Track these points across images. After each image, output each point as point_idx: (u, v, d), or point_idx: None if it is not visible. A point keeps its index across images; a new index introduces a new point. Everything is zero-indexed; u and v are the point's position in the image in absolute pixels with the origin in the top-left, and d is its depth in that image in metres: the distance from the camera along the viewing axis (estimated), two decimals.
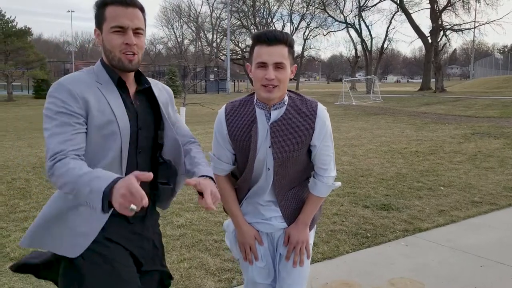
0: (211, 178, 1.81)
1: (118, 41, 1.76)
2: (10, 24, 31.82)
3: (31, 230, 1.85)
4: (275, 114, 2.07)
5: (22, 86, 39.14)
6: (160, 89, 2.00)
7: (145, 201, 1.35)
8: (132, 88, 1.88)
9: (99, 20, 1.79)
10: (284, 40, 1.95)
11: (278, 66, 1.94)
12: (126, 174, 1.76)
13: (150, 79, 1.97)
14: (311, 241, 2.33)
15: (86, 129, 1.71)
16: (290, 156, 2.10)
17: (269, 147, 2.09)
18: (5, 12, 31.53)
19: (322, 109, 2.13)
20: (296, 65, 2.08)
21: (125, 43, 1.75)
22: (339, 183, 2.29)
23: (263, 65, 1.95)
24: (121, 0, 1.76)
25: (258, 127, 2.08)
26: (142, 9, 1.82)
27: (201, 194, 1.70)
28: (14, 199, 6.01)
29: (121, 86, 1.83)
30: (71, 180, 1.54)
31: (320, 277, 3.77)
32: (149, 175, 1.40)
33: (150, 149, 1.90)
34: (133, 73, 1.88)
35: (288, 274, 2.25)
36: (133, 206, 1.36)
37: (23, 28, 32.37)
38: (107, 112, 1.73)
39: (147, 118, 1.88)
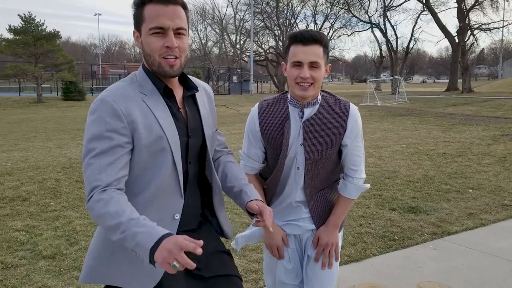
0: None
1: (158, 44, 1.60)
2: (40, 27, 32.59)
3: (90, 264, 1.69)
4: (308, 112, 2.10)
5: (51, 88, 40.04)
6: (202, 92, 1.85)
7: (199, 251, 1.30)
8: (178, 93, 1.74)
9: (138, 21, 1.63)
10: (320, 39, 1.99)
11: (313, 65, 1.98)
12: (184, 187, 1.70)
13: (192, 78, 1.83)
14: (340, 244, 2.32)
15: (132, 149, 1.59)
16: (322, 154, 2.11)
17: (301, 145, 2.10)
18: (35, 16, 32.32)
19: (354, 108, 2.16)
20: (330, 64, 2.11)
21: (166, 46, 1.60)
22: (368, 185, 2.29)
23: (298, 64, 1.99)
24: None
25: (291, 124, 2.10)
26: (184, 6, 1.65)
27: (252, 214, 1.72)
28: (45, 199, 6.17)
29: (168, 95, 1.69)
30: (113, 225, 1.43)
31: (347, 279, 3.76)
32: (197, 244, 1.31)
33: (197, 157, 1.78)
34: (177, 78, 1.74)
35: (316, 276, 2.25)
36: (176, 264, 1.29)
37: (52, 31, 33.10)
38: (155, 127, 1.60)
39: (196, 125, 1.75)
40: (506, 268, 4.01)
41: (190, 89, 1.77)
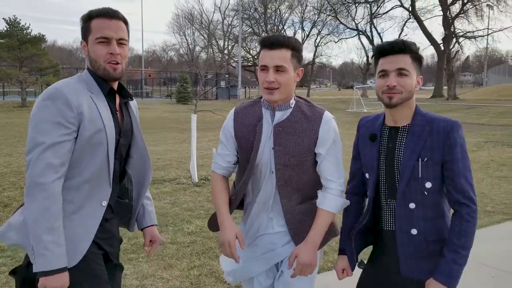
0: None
1: (103, 51, 1.87)
2: (25, 31, 32.28)
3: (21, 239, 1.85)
4: (279, 115, 2.08)
5: (35, 92, 39.53)
6: (134, 103, 2.14)
7: None
8: (117, 99, 2.01)
9: (85, 32, 1.91)
10: (286, 43, 1.98)
11: (279, 69, 1.98)
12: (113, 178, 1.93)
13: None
14: (318, 264, 2.16)
15: (76, 137, 1.80)
16: (293, 160, 2.06)
17: (272, 149, 2.08)
18: (20, 20, 32.02)
19: (328, 116, 2.11)
20: (302, 68, 2.09)
21: (110, 53, 1.87)
22: (348, 201, 2.15)
23: (264, 68, 2.00)
24: (105, 12, 1.89)
25: (263, 126, 2.09)
26: (125, 22, 1.95)
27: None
28: None
29: (111, 96, 1.95)
30: (46, 224, 1.70)
31: (330, 287, 3.75)
32: None
33: (123, 156, 2.02)
34: (117, 84, 2.00)
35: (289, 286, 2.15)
36: None
37: (37, 35, 32.81)
38: (97, 121, 1.83)
39: (127, 128, 2.02)
40: (487, 274, 4.04)
41: (125, 97, 2.05)
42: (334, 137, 2.09)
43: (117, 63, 1.90)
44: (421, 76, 2.02)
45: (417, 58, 1.95)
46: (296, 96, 2.15)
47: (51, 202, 1.71)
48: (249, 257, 2.22)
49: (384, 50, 1.94)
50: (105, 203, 1.91)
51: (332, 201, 2.10)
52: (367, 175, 2.09)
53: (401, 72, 1.91)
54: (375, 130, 2.07)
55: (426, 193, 1.94)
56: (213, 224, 2.23)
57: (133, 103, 2.13)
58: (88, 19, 1.90)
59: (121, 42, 1.90)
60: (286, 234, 2.17)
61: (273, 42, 1.98)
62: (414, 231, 1.96)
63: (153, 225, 2.25)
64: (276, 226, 2.18)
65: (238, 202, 2.22)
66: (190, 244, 4.71)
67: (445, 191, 1.97)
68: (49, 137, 1.73)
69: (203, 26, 59.42)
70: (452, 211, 1.98)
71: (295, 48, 2.01)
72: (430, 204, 1.95)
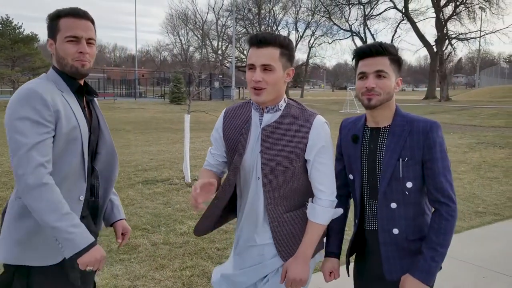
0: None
1: (73, 50, 1.91)
2: (17, 30, 32.14)
3: (10, 248, 1.88)
4: (267, 118, 1.99)
5: None
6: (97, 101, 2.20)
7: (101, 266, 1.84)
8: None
9: (53, 31, 1.94)
10: (274, 41, 1.89)
11: (266, 68, 1.89)
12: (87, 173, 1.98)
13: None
14: (309, 279, 2.08)
15: (54, 135, 1.83)
16: (280, 165, 1.96)
17: (259, 152, 1.98)
18: (12, 19, 31.88)
19: (320, 121, 1.99)
20: (293, 68, 2.00)
21: (79, 52, 1.92)
22: (341, 210, 2.07)
23: (252, 67, 1.91)
24: (75, 12, 1.94)
25: (251, 128, 2.01)
26: (93, 22, 2.02)
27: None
28: None
29: (79, 94, 2.00)
30: (54, 213, 1.74)
31: (324, 287, 3.76)
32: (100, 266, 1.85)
33: (92, 152, 2.05)
34: (83, 82, 2.05)
35: None
36: (89, 268, 1.80)
37: (30, 34, 32.66)
38: (72, 118, 1.89)
39: (95, 125, 2.06)
40: (479, 274, 4.07)
41: (91, 94, 2.08)
42: (325, 143, 1.97)
43: (84, 61, 1.95)
44: (401, 78, 2.03)
45: (396, 60, 1.97)
46: (288, 98, 2.07)
47: (54, 194, 1.76)
48: (238, 269, 2.14)
49: (363, 53, 1.97)
50: (82, 198, 1.96)
51: (321, 213, 1.99)
52: (351, 176, 2.10)
53: (379, 74, 1.93)
54: (357, 131, 2.08)
55: (407, 193, 1.96)
56: (198, 229, 2.17)
57: (96, 100, 2.18)
58: (57, 17, 1.94)
59: (89, 41, 1.96)
60: (271, 244, 2.05)
61: (260, 40, 1.89)
62: (395, 231, 1.99)
63: (122, 219, 2.27)
64: (265, 236, 2.06)
65: (222, 204, 2.09)
66: (182, 244, 4.70)
67: (426, 190, 1.99)
68: (31, 137, 1.76)
69: (197, 26, 59.39)
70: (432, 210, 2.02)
71: (284, 46, 1.91)
72: (411, 203, 1.98)
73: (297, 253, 2.02)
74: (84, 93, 2.03)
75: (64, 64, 1.94)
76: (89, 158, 2.00)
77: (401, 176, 1.94)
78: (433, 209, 1.99)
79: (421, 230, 2.01)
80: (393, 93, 1.99)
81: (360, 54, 1.98)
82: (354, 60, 2.04)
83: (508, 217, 5.86)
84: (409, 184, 1.95)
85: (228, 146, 2.09)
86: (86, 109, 2.03)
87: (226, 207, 2.15)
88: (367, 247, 2.13)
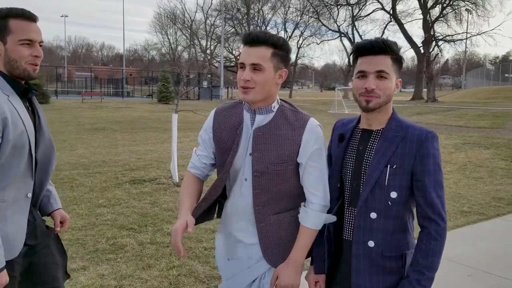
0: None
1: (26, 53, 1.92)
2: None
3: None
4: (260, 119, 1.95)
5: None
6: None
7: None
8: None
9: (1, 30, 1.90)
10: (266, 41, 1.84)
11: (255, 67, 1.84)
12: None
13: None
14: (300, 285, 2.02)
15: (0, 143, 1.83)
16: (271, 168, 1.91)
17: (250, 154, 1.94)
18: None
19: (314, 124, 1.94)
20: (286, 70, 1.93)
21: (34, 55, 1.95)
22: (334, 217, 1.96)
23: (242, 65, 1.87)
24: (28, 15, 1.94)
25: (243, 129, 1.96)
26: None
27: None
28: None
29: (25, 96, 2.01)
30: None
31: None
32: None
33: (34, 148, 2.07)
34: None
35: None
36: None
37: None
38: (19, 124, 1.89)
39: (37, 122, 2.06)
40: (463, 273, 4.12)
41: (31, 91, 2.06)
42: (318, 146, 1.93)
43: (37, 65, 1.99)
44: (400, 79, 1.89)
45: (398, 60, 1.83)
46: (281, 99, 2.01)
47: None
48: (229, 275, 2.11)
49: (364, 49, 1.81)
50: (30, 195, 2.00)
51: (313, 217, 1.93)
52: (332, 178, 1.98)
53: (381, 75, 1.78)
54: (346, 131, 1.97)
55: (390, 203, 1.81)
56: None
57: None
58: (5, 17, 1.90)
59: (41, 44, 2.01)
60: (257, 245, 2.02)
61: (253, 38, 1.84)
62: (371, 243, 1.83)
63: (59, 208, 2.31)
64: (251, 237, 2.02)
65: (207, 205, 2.06)
66: (169, 244, 4.68)
67: (415, 204, 1.85)
68: None
69: (186, 25, 59.16)
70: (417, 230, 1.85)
71: (278, 46, 1.85)
72: (392, 216, 1.82)
73: (288, 258, 1.97)
74: (28, 95, 2.03)
75: (15, 66, 1.93)
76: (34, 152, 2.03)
77: (386, 183, 1.80)
78: (420, 228, 1.83)
79: (398, 248, 1.85)
80: (392, 96, 1.85)
81: (361, 50, 1.82)
82: (353, 56, 1.88)
83: (492, 216, 5.94)
84: (393, 194, 1.80)
85: (218, 147, 2.03)
86: (29, 108, 2.04)
87: (209, 207, 2.12)
88: (341, 257, 1.98)
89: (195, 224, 2.02)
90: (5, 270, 1.84)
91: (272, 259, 2.00)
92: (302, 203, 1.99)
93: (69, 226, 1.92)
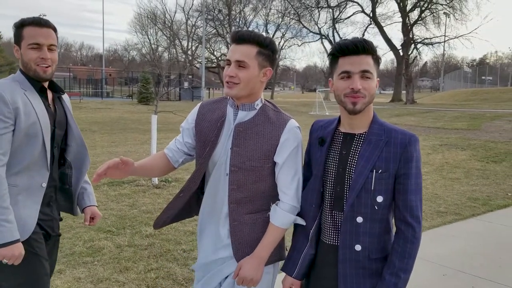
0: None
1: (35, 56, 2.15)
2: None
3: None
4: (242, 115, 2.01)
5: None
6: (66, 97, 2.42)
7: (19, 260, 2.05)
8: (49, 94, 2.29)
9: (18, 38, 2.18)
10: (252, 39, 1.92)
11: (240, 64, 1.92)
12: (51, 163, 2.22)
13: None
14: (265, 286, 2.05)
15: (14, 130, 2.06)
16: (248, 164, 1.97)
17: (230, 149, 2.00)
18: None
19: (293, 125, 2.00)
20: (270, 68, 1.99)
21: (41, 58, 2.15)
22: (303, 221, 1.99)
23: (228, 62, 1.96)
24: (37, 21, 2.16)
25: (225, 124, 2.03)
26: (54, 29, 2.23)
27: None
28: None
29: (43, 93, 2.23)
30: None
31: None
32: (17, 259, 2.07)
33: (60, 144, 2.32)
34: (47, 82, 2.26)
35: None
36: (5, 261, 2.02)
37: None
38: (32, 114, 2.11)
39: (61, 120, 2.30)
40: (439, 272, 4.19)
41: (57, 91, 2.33)
42: (295, 147, 1.98)
43: (48, 66, 2.18)
44: (378, 79, 1.90)
45: (378, 60, 1.85)
46: (265, 100, 2.07)
47: (1, 187, 1.99)
48: (200, 277, 2.14)
49: (348, 49, 1.79)
50: (44, 185, 2.20)
51: (281, 216, 1.98)
52: (313, 181, 1.97)
53: (365, 75, 1.79)
54: (326, 134, 1.95)
55: (376, 207, 1.82)
56: (157, 221, 2.18)
57: (66, 97, 2.39)
58: (21, 26, 2.17)
59: (51, 48, 2.19)
60: (229, 245, 2.05)
61: (239, 37, 1.93)
62: (358, 247, 1.84)
63: (93, 205, 2.52)
64: (225, 234, 2.06)
65: (186, 197, 2.09)
66: (147, 246, 4.64)
67: (393, 206, 1.88)
68: None
69: (166, 26, 58.77)
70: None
71: (263, 45, 1.93)
72: (377, 219, 1.84)
73: (253, 253, 2.01)
74: (46, 92, 2.24)
75: (28, 68, 2.17)
76: (57, 150, 2.27)
77: (372, 188, 1.80)
78: (396, 230, 1.85)
79: (384, 249, 1.88)
80: (374, 96, 1.85)
81: (344, 50, 1.80)
82: (332, 55, 1.86)
83: (468, 216, 6.05)
84: (379, 198, 1.81)
85: (199, 139, 2.09)
86: (51, 106, 2.26)
87: (188, 202, 2.15)
88: (322, 261, 1.97)
89: (177, 221, 2.22)
90: (20, 243, 2.03)
91: (241, 258, 2.03)
92: (275, 203, 2.03)
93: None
